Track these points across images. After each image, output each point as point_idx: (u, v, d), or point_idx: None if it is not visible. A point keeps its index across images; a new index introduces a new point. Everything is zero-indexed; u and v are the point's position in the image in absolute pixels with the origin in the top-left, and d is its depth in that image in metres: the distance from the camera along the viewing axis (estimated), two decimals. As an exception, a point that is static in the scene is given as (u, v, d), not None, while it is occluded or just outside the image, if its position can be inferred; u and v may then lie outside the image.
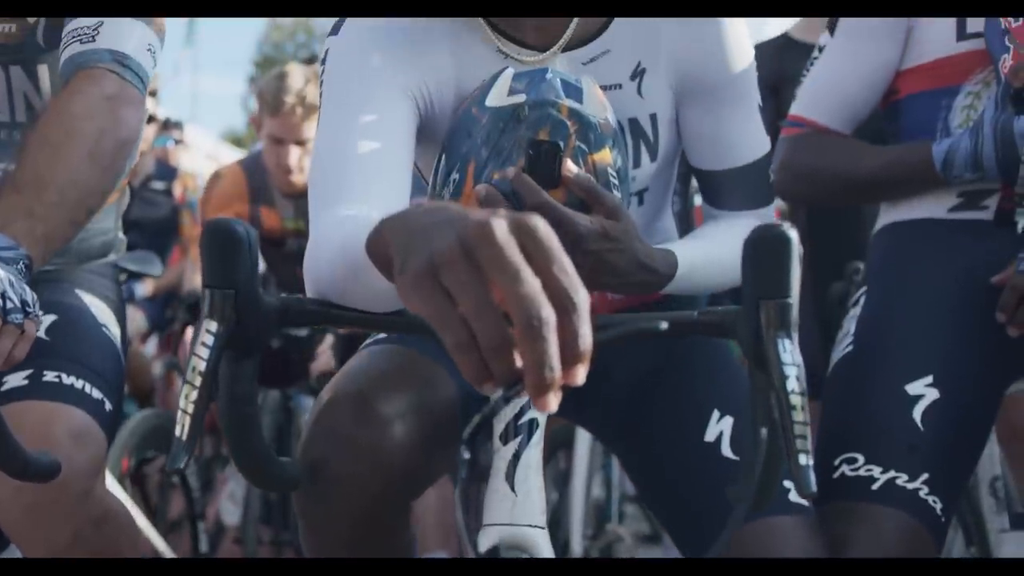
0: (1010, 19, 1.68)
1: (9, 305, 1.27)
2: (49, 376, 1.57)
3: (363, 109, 1.39)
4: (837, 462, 1.64)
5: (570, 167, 1.32)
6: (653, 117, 1.52)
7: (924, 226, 1.84)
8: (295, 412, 3.49)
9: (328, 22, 1.51)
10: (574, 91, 1.36)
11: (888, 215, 1.94)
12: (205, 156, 12.09)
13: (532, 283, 0.71)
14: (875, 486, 1.59)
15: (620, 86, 1.50)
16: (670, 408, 1.63)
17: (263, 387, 3.04)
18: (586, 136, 1.35)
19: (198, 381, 0.97)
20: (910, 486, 1.58)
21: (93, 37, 1.60)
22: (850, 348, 1.78)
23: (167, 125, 6.39)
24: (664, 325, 0.89)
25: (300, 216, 3.38)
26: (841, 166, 1.89)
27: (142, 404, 4.74)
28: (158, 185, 5.63)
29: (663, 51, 1.50)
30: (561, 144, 1.32)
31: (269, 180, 3.38)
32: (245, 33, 74.63)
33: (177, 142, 6.37)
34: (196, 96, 58.70)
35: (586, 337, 0.72)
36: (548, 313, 0.70)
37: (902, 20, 1.85)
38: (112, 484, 2.05)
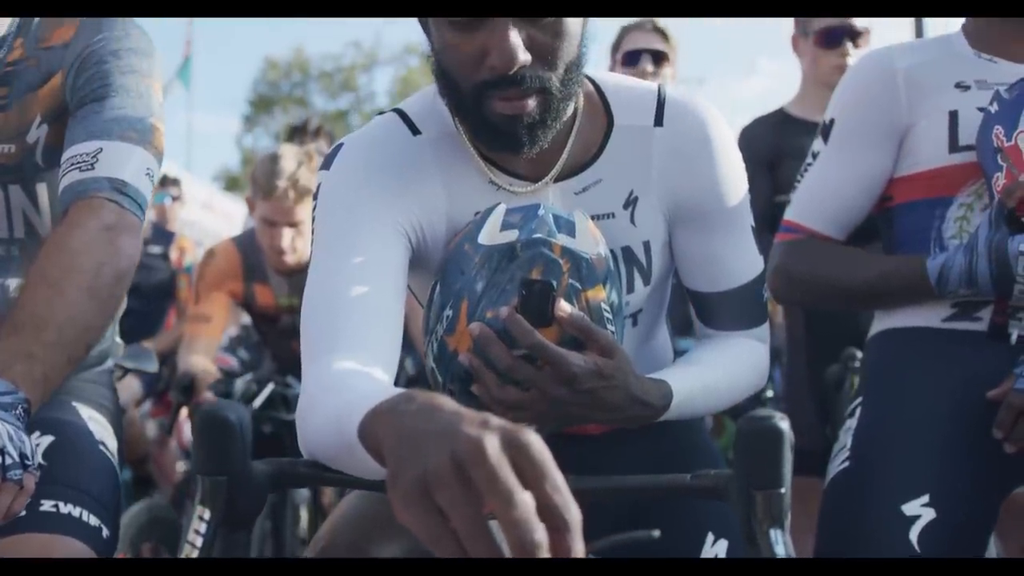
0: (1003, 139, 1.69)
1: (8, 461, 1.27)
2: (47, 505, 1.56)
3: (354, 250, 1.38)
4: (835, 583, 1.63)
5: (563, 306, 1.32)
6: (646, 244, 1.52)
7: (919, 335, 1.84)
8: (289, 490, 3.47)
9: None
10: (567, 226, 1.36)
11: (882, 321, 1.94)
12: (201, 206, 12.13)
13: (525, 505, 0.72)
14: None
15: (613, 215, 1.50)
16: (664, 529, 1.61)
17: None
18: (579, 273, 1.35)
19: (190, 568, 0.97)
20: None
21: (92, 165, 1.61)
22: (847, 464, 1.77)
23: (164, 182, 6.40)
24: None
25: (294, 293, 3.37)
26: (836, 275, 1.90)
27: (136, 470, 4.72)
28: (155, 249, 5.64)
29: (655, 179, 1.50)
30: (554, 283, 1.32)
31: (263, 257, 3.38)
32: (240, 71, 74.90)
33: (174, 199, 6.39)
34: (191, 134, 58.90)
35: (578, 554, 0.73)
36: (541, 536, 0.71)
37: (894, 131, 1.86)
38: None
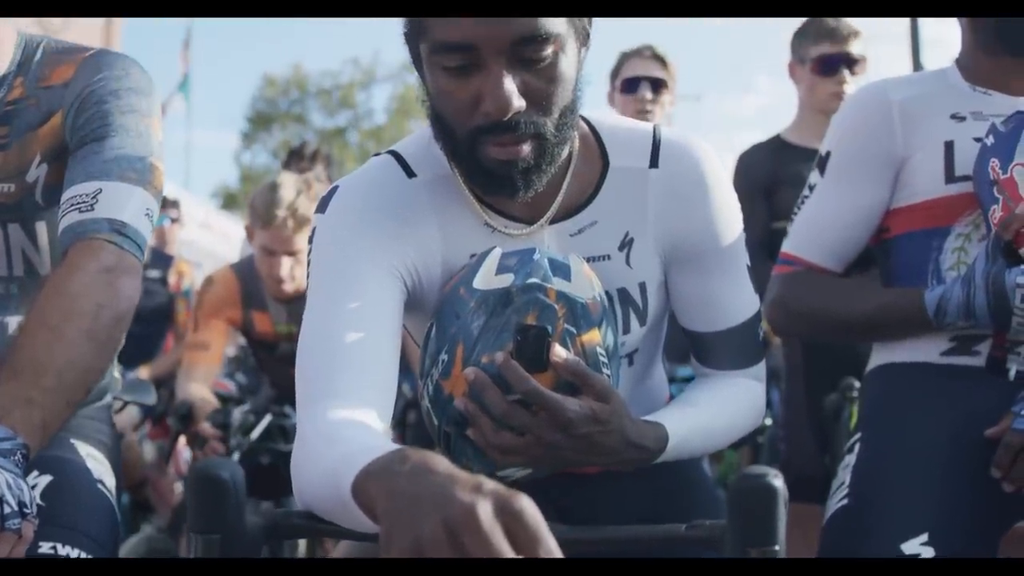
0: (999, 171, 1.69)
1: (7, 510, 1.27)
2: (45, 547, 1.54)
3: (349, 293, 1.38)
4: (833, 624, 1.62)
5: (558, 351, 1.32)
6: (642, 285, 1.52)
7: (917, 370, 1.84)
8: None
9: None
10: (562, 270, 1.36)
11: (880, 355, 1.94)
12: (199, 225, 12.13)
13: None
14: None
15: (608, 257, 1.50)
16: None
17: (256, 498, 3.02)
18: (574, 318, 1.35)
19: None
20: None
21: (92, 206, 1.60)
22: (846, 501, 1.76)
23: (162, 203, 6.39)
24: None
25: (293, 320, 3.37)
26: (834, 307, 1.90)
27: (133, 494, 4.70)
28: (153, 273, 5.63)
29: (650, 221, 1.50)
30: (549, 328, 1.32)
31: (261, 285, 3.38)
32: (239, 88, 75.06)
33: (173, 220, 6.39)
34: (189, 151, 59.01)
35: None
36: None
37: (890, 163, 1.86)
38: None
